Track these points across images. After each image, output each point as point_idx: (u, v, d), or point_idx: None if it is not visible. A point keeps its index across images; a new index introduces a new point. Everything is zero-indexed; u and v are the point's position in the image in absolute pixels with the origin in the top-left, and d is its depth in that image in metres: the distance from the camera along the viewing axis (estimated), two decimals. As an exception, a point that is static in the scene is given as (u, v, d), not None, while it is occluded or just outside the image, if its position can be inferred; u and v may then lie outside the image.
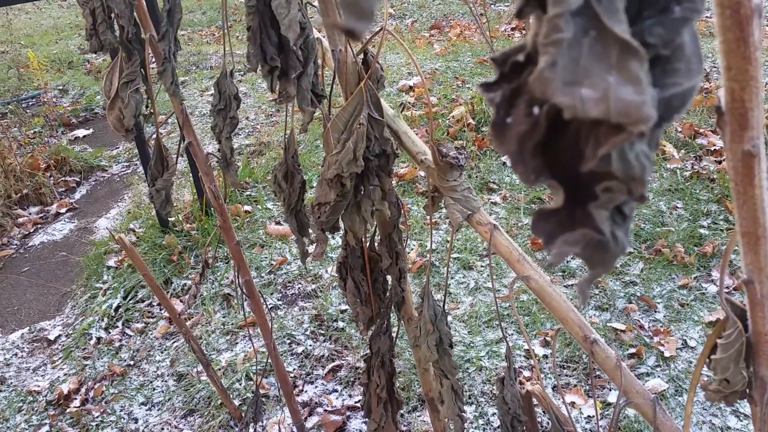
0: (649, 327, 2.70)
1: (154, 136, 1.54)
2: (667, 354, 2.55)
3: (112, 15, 1.37)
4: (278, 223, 3.66)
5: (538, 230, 0.41)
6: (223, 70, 1.30)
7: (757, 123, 0.52)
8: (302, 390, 2.60)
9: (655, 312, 2.77)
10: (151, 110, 1.55)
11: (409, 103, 4.84)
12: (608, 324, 2.71)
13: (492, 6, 6.68)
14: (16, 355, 3.05)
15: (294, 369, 2.69)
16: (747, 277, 0.63)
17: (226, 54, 1.27)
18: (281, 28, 0.93)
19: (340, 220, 1.39)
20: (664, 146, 3.78)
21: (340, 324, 2.91)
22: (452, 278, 3.07)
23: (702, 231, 3.16)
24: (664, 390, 2.40)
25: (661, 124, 0.38)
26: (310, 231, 1.47)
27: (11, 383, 2.89)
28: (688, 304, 2.78)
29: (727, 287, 2.76)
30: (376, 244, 1.52)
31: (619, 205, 0.41)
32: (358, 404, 2.50)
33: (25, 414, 2.70)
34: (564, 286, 2.92)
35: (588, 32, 0.35)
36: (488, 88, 0.40)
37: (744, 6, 0.45)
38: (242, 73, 5.91)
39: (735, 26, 0.46)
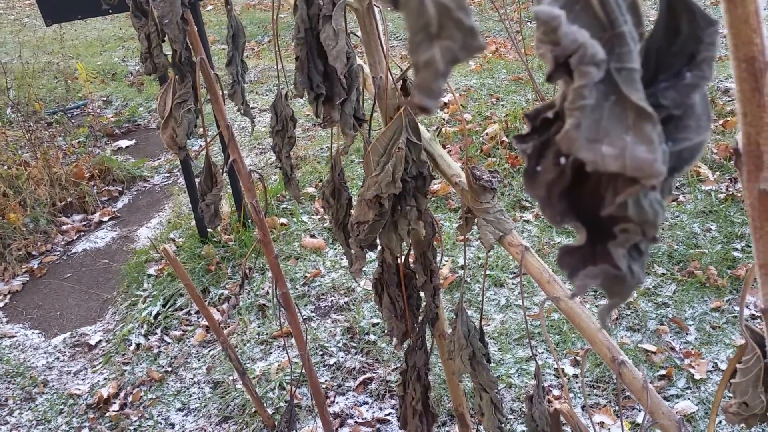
0: (680, 349, 2.70)
1: (202, 152, 1.61)
2: (697, 376, 2.55)
3: (166, 39, 1.45)
4: (313, 236, 3.73)
5: (563, 264, 0.45)
6: (278, 93, 1.37)
7: (772, 165, 0.56)
8: (334, 401, 2.65)
9: (687, 334, 2.77)
10: (200, 127, 1.62)
11: (443, 119, 4.90)
12: (639, 345, 2.72)
13: (528, 24, 6.72)
14: (58, 358, 3.16)
15: (326, 380, 2.75)
16: (764, 307, 0.67)
17: (280, 77, 1.34)
18: (329, 59, 1.00)
19: (377, 238, 1.45)
20: (699, 168, 3.77)
21: (372, 337, 2.96)
22: (484, 295, 3.10)
23: (735, 254, 3.15)
24: (694, 412, 2.41)
25: (673, 174, 0.43)
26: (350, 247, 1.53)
27: (53, 386, 2.99)
28: (719, 327, 2.78)
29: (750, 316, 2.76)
30: (410, 261, 1.57)
31: (636, 243, 0.45)
32: (389, 417, 2.55)
33: (66, 416, 2.80)
34: (596, 305, 2.94)
35: (608, 97, 0.40)
36: (521, 140, 0.45)
37: (758, 60, 0.49)
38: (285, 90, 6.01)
39: (750, 78, 0.50)
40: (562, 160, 0.43)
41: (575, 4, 0.41)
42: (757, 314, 2.75)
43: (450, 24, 0.35)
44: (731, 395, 0.82)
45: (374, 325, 3.03)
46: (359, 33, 1.23)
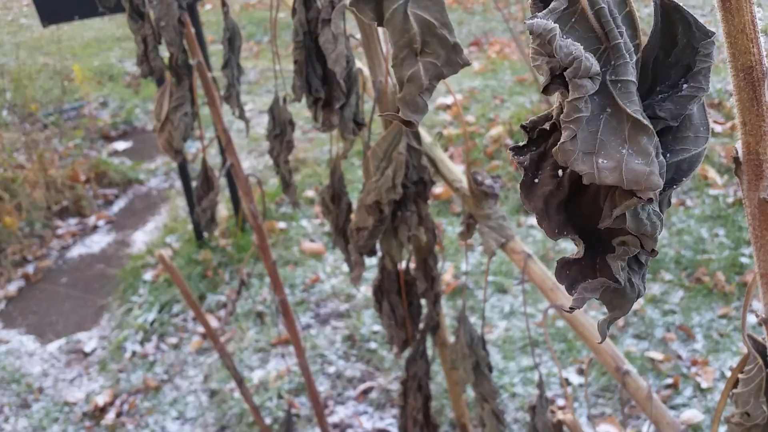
0: (687, 357, 2.65)
1: (200, 155, 1.56)
2: (704, 385, 2.50)
3: (162, 42, 1.41)
4: (312, 240, 3.68)
5: (561, 277, 0.45)
6: (275, 97, 1.33)
7: (772, 173, 0.57)
8: (333, 411, 2.60)
9: (694, 342, 2.72)
10: (198, 131, 1.57)
11: (446, 121, 4.85)
12: (646, 353, 2.67)
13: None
14: (53, 365, 3.10)
15: (325, 389, 2.70)
16: (765, 316, 0.67)
17: (277, 80, 1.29)
18: (328, 63, 0.95)
19: (377, 244, 1.40)
20: (707, 172, 3.72)
21: (372, 345, 2.91)
22: (486, 302, 3.05)
23: (743, 260, 3.10)
24: (700, 421, 2.36)
25: (672, 186, 0.44)
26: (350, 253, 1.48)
27: (48, 393, 2.94)
28: (727, 334, 2.73)
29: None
30: (411, 267, 1.53)
31: (635, 255, 0.46)
32: (389, 427, 2.50)
33: (61, 424, 2.75)
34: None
35: (605, 109, 0.40)
36: (518, 151, 0.45)
37: (756, 69, 0.50)
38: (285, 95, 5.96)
39: (748, 87, 0.51)
40: (560, 172, 0.44)
41: (571, 16, 0.42)
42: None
43: (434, 40, 0.35)
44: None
45: (375, 332, 2.98)
46: (358, 36, 1.18)
